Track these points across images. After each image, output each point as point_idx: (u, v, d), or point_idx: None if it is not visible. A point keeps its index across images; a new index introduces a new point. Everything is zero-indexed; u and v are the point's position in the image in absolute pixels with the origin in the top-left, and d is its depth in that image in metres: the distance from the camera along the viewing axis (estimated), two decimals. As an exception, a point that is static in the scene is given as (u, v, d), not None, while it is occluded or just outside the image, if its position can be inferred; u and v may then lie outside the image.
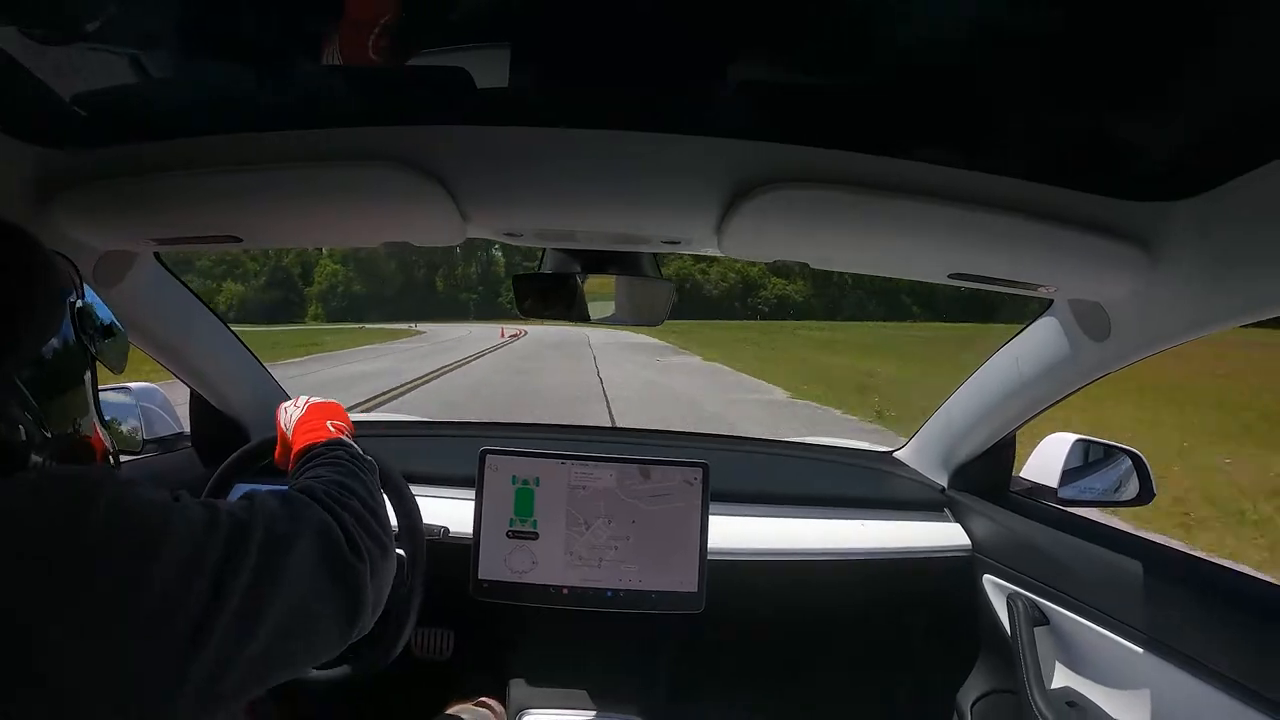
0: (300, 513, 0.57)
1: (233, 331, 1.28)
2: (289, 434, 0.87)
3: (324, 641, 0.56)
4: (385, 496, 0.78)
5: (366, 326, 44.06)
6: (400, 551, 0.99)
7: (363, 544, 0.60)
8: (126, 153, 0.75)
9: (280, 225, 0.90)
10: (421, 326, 39.92)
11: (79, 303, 0.60)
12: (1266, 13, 0.48)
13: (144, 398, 1.27)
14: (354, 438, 0.85)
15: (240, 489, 1.11)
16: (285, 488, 0.62)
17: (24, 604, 0.41)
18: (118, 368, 0.67)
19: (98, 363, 0.63)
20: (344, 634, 0.57)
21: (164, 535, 0.46)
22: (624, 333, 27.87)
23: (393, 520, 0.99)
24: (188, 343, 1.20)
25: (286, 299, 72.35)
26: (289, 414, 0.90)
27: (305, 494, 0.61)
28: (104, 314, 0.64)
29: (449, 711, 1.12)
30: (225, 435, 1.31)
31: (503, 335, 29.22)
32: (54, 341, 0.56)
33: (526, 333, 31.61)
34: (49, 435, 0.54)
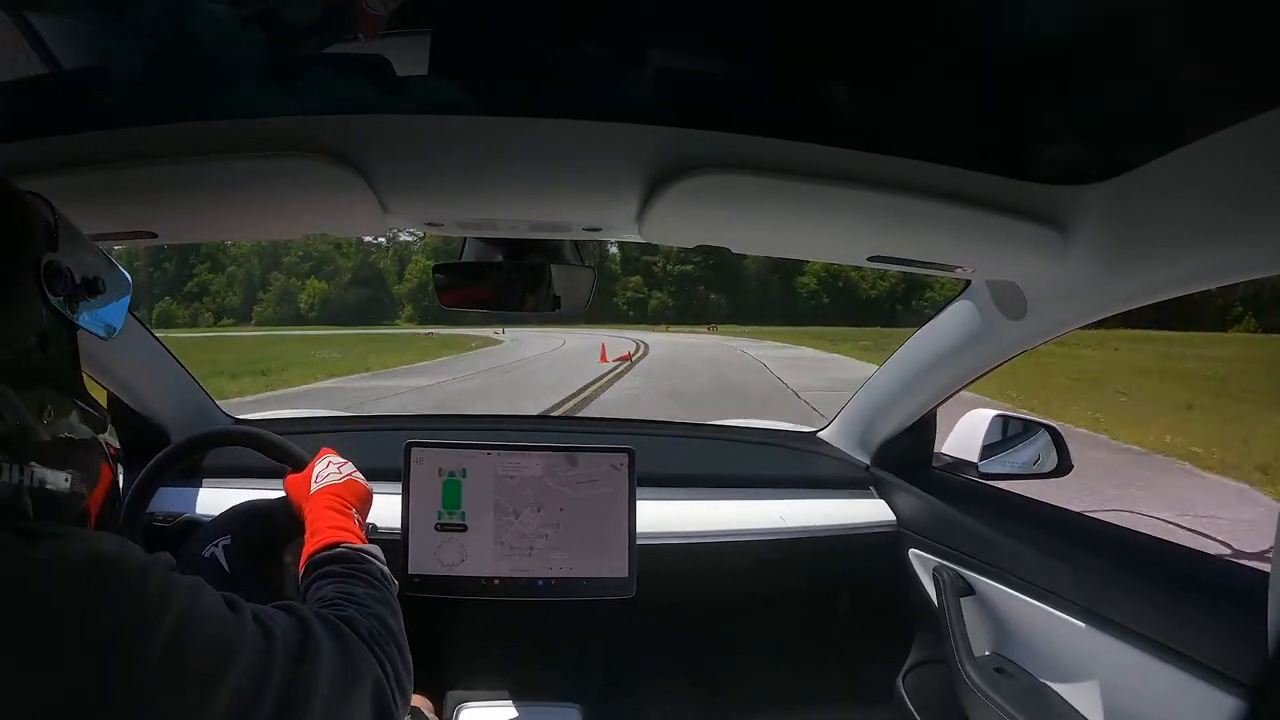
0: (355, 657, 0.56)
1: (150, 332, 1.25)
2: (314, 484, 0.87)
3: None
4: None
5: (437, 332, 37.23)
6: None
7: (399, 697, 0.59)
8: (33, 148, 0.71)
9: (196, 219, 0.87)
10: (509, 333, 31.62)
11: (47, 257, 0.49)
12: (1172, 7, 0.50)
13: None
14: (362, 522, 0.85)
15: (165, 492, 1.07)
16: (335, 623, 0.58)
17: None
18: (106, 331, 0.58)
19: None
20: None
21: (231, 661, 0.45)
22: (787, 348, 22.64)
23: None
24: (104, 347, 1.16)
25: (374, 297, 66.42)
26: (325, 470, 0.89)
27: (349, 627, 0.58)
28: (90, 263, 0.54)
29: None
30: (145, 439, 1.27)
31: (604, 359, 17.21)
32: (14, 314, 0.47)
33: (643, 350, 21.70)
34: (44, 440, 0.48)
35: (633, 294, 68.43)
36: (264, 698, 0.46)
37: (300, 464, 0.93)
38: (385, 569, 0.75)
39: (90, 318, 0.55)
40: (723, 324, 53.05)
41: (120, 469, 0.59)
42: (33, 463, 0.47)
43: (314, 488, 0.86)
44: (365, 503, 0.88)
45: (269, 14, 0.60)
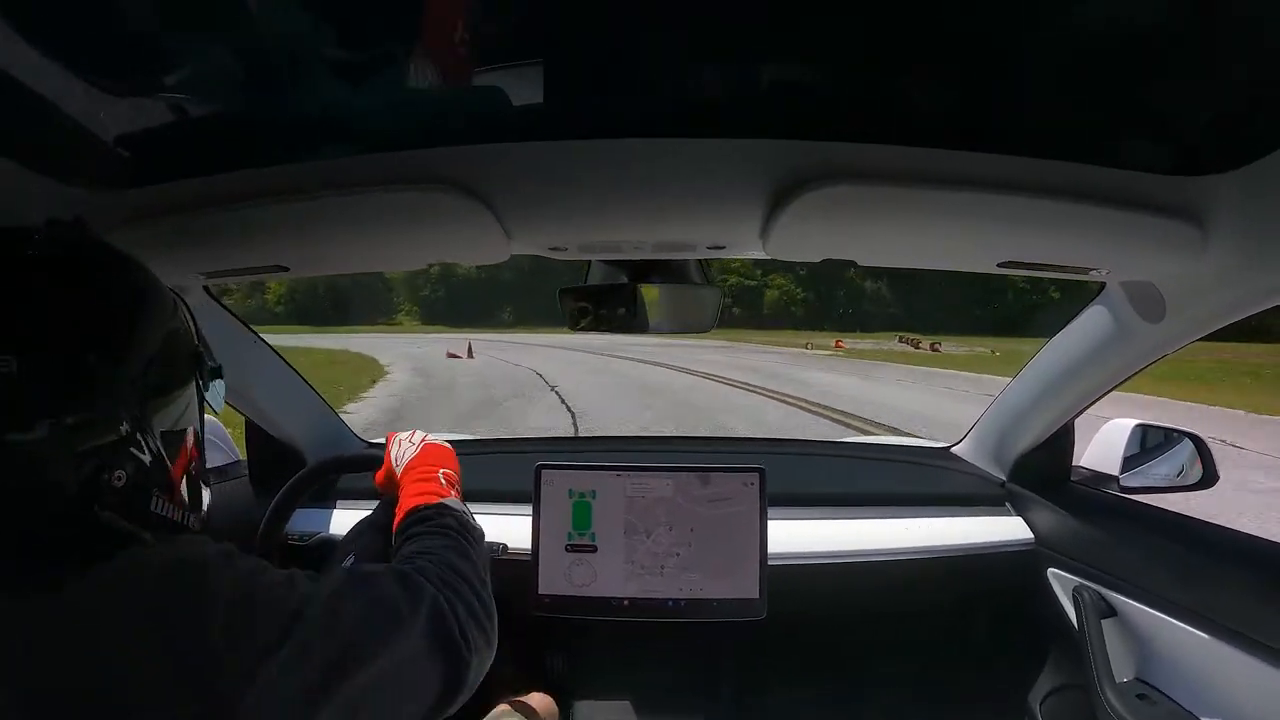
0: (418, 596, 0.59)
1: (285, 360, 1.31)
2: (397, 468, 0.88)
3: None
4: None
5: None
6: None
7: (471, 635, 0.61)
8: (171, 191, 0.75)
9: (325, 252, 0.91)
10: (526, 337, 27.74)
11: (199, 348, 0.62)
12: None
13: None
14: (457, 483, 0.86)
15: (304, 515, 1.12)
16: (400, 567, 0.63)
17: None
18: (218, 406, 0.69)
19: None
20: (437, 712, 0.59)
21: (294, 625, 0.51)
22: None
23: None
24: (240, 372, 1.22)
25: (365, 284, 52.04)
26: (401, 448, 0.90)
27: (418, 573, 0.62)
28: (209, 355, 0.65)
29: (495, 709, 1.09)
30: (283, 463, 1.33)
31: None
32: (177, 379, 0.58)
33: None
34: (169, 480, 0.57)
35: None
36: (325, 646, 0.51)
37: (377, 461, 0.94)
38: (463, 518, 0.77)
39: (212, 395, 0.66)
40: (888, 329, 36.19)
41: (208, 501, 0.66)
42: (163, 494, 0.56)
43: (399, 470, 0.88)
44: (446, 459, 0.89)
45: (390, 50, 0.62)
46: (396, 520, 0.79)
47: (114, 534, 0.50)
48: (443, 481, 0.83)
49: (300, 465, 1.32)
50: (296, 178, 0.73)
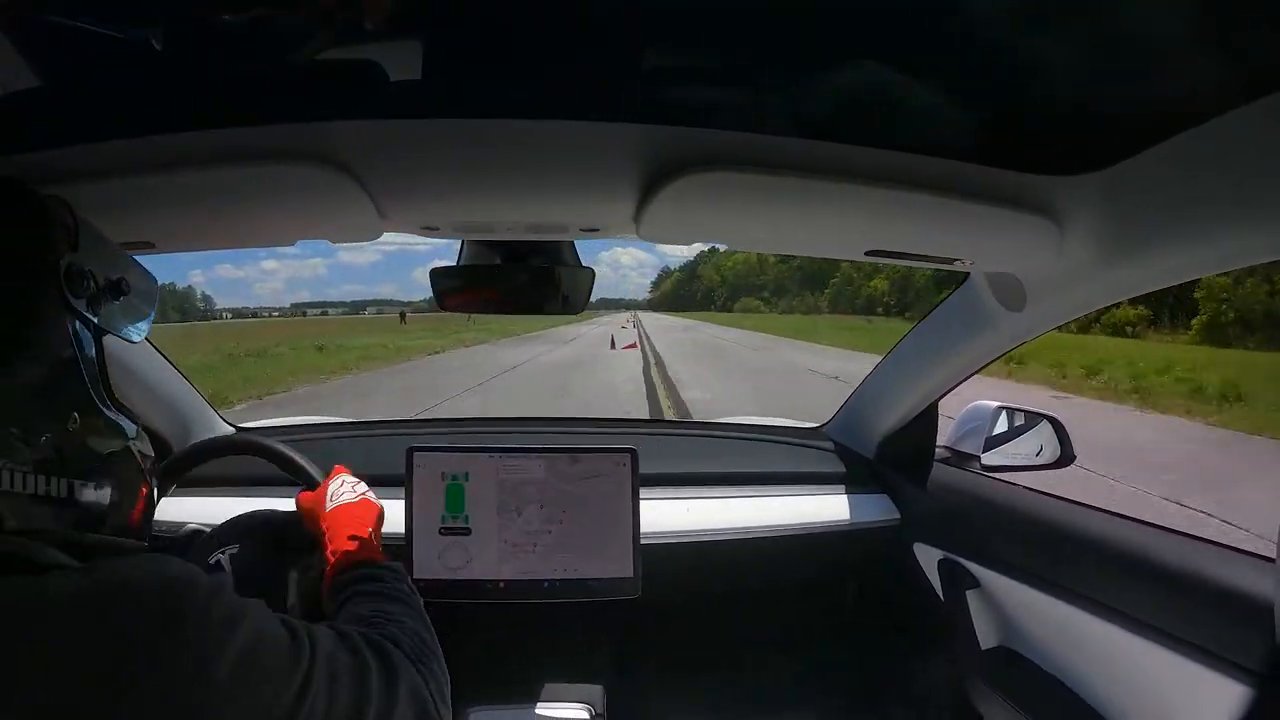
0: (399, 676, 0.56)
1: (152, 343, 1.24)
2: (329, 502, 0.87)
3: None
4: None
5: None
6: None
7: (442, 709, 0.59)
8: (28, 161, 0.71)
9: (193, 228, 0.87)
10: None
11: (67, 259, 0.48)
12: None
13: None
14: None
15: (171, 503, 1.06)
16: (379, 642, 0.58)
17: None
18: (135, 335, 0.58)
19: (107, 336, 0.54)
20: None
21: (289, 683, 0.46)
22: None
23: None
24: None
25: None
26: (340, 488, 0.89)
27: (393, 645, 0.59)
28: (109, 267, 0.53)
29: None
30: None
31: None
32: (36, 320, 0.46)
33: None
34: (80, 454, 0.47)
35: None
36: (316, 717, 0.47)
37: (313, 482, 0.93)
38: (411, 585, 0.76)
39: (116, 321, 0.54)
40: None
41: (155, 481, 0.59)
42: (75, 480, 0.47)
43: (329, 506, 0.86)
44: (380, 522, 0.88)
45: (261, 21, 0.60)
46: (330, 564, 0.77)
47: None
48: (374, 540, 0.83)
49: (165, 451, 1.26)
50: (161, 151, 0.69)
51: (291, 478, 1.01)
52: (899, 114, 0.72)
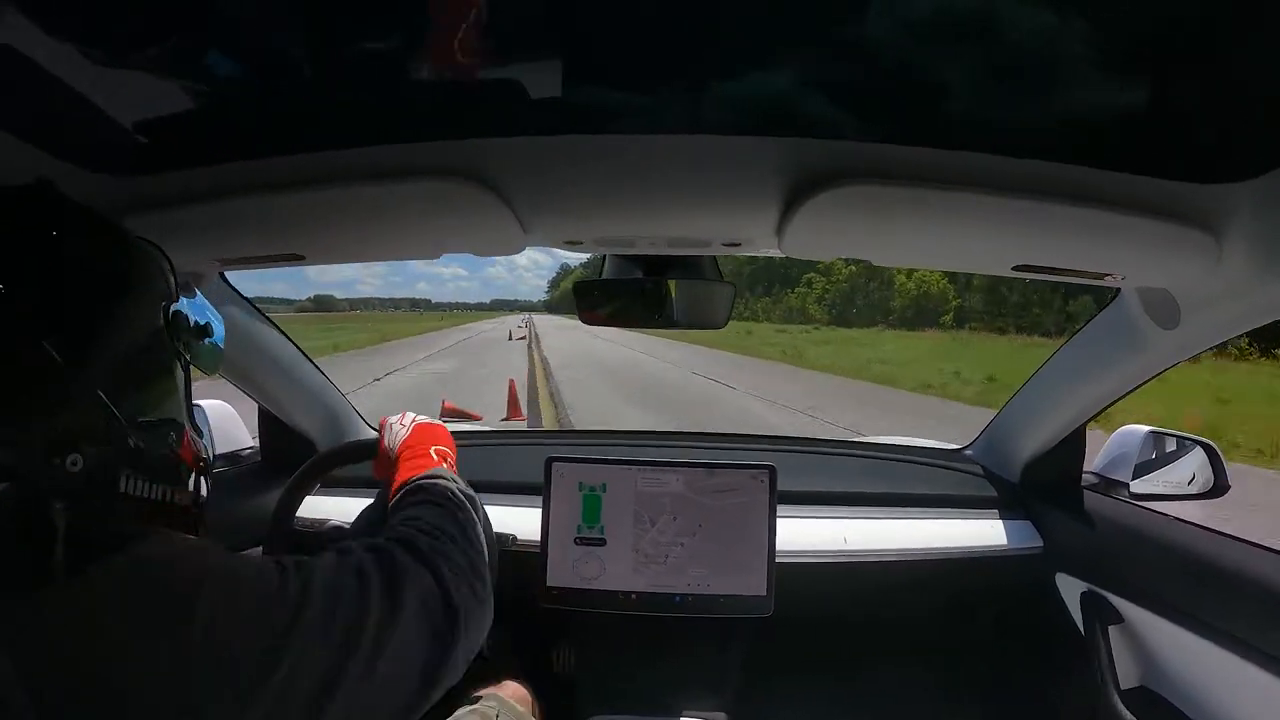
0: (401, 585, 0.58)
1: (300, 348, 1.31)
2: (392, 452, 0.87)
3: (404, 695, 0.57)
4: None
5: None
6: None
7: (459, 599, 0.61)
8: (190, 178, 0.75)
9: (342, 242, 0.91)
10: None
11: (172, 306, 0.59)
12: None
13: (214, 413, 1.31)
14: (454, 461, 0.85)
15: (313, 502, 1.12)
16: (383, 542, 0.62)
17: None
18: (210, 369, 0.67)
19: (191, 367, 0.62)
20: (425, 689, 0.58)
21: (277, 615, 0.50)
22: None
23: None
24: (256, 361, 1.22)
25: None
26: (394, 431, 0.90)
27: (404, 545, 0.61)
28: (198, 314, 0.62)
29: (474, 695, 1.08)
30: (294, 450, 1.33)
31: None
32: (144, 344, 0.55)
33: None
34: (138, 446, 0.52)
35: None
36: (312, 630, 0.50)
37: (373, 448, 0.94)
38: (452, 486, 0.77)
39: (201, 359, 0.63)
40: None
41: (207, 483, 0.64)
42: (173, 486, 0.56)
43: (394, 455, 0.87)
44: (438, 435, 0.88)
45: (408, 41, 0.61)
46: (391, 499, 0.79)
47: (73, 529, 0.46)
48: (434, 456, 0.83)
49: (311, 452, 1.32)
50: (312, 167, 0.73)
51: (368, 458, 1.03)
52: (1045, 121, 0.68)
